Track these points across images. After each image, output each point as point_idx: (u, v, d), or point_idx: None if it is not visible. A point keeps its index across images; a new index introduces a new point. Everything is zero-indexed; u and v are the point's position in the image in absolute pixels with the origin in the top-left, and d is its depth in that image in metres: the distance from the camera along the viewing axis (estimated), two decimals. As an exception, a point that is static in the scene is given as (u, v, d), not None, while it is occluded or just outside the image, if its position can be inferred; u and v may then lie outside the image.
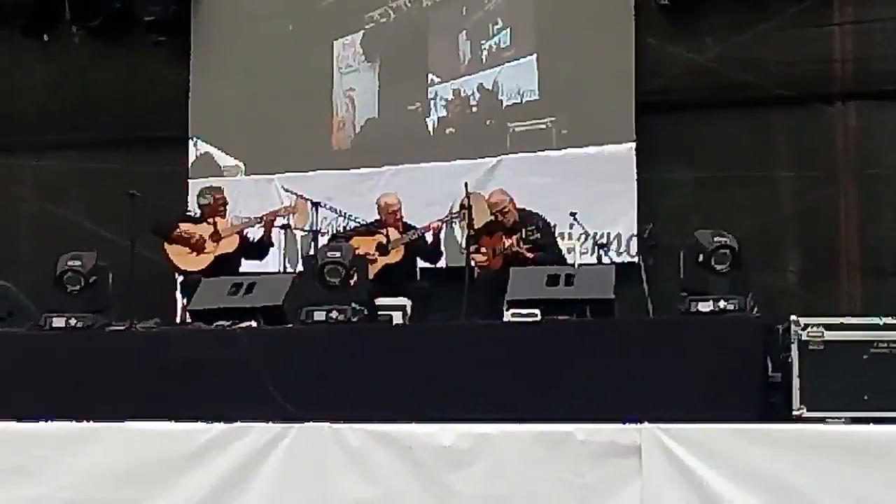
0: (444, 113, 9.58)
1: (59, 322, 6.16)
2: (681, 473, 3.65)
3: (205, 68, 10.05)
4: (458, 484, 3.90)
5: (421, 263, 8.26)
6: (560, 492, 3.78)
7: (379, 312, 6.87)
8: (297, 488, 4.04)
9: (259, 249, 8.24)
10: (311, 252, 7.85)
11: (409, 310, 7.25)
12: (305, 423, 4.18)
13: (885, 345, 5.15)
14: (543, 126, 9.25)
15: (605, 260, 8.24)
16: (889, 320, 5.23)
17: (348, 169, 9.65)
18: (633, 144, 9.00)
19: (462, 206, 7.78)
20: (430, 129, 9.63)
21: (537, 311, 5.82)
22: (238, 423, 4.19)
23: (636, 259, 8.58)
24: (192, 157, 10.05)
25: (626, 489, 3.73)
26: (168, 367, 5.86)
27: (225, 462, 4.11)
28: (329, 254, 6.18)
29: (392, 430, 4.01)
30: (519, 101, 9.36)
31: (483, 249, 7.91)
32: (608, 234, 8.93)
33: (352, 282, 6.11)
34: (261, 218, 8.22)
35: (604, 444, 3.77)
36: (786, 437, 3.59)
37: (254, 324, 6.13)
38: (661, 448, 3.70)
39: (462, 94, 9.54)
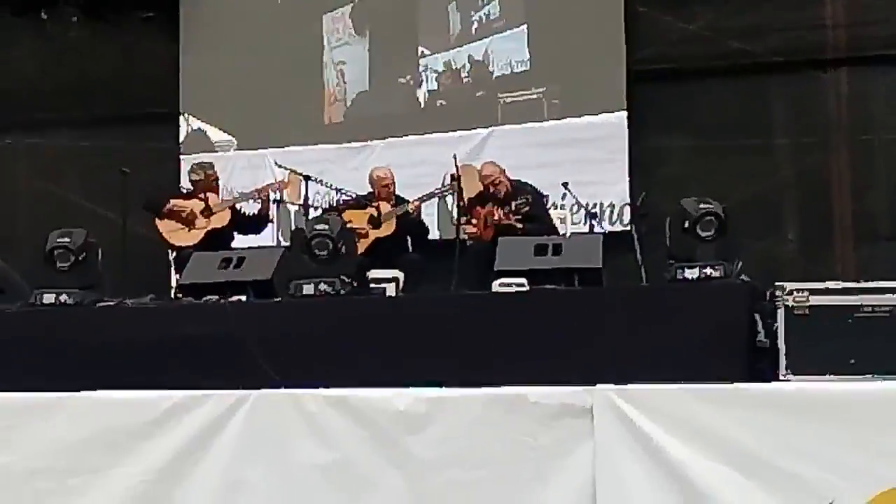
0: (434, 85, 9.57)
1: (49, 298, 6.16)
2: (632, 433, 3.68)
3: (195, 44, 10.04)
4: (414, 447, 3.94)
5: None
6: (514, 453, 3.82)
7: (371, 285, 6.88)
8: (257, 454, 4.08)
9: (256, 224, 8.25)
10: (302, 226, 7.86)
11: (401, 282, 7.27)
12: (263, 390, 4.21)
13: (871, 308, 5.14)
14: (534, 97, 9.24)
15: (598, 229, 8.23)
16: (874, 284, 5.24)
17: (340, 143, 9.66)
18: (625, 113, 8.98)
19: (452, 178, 7.77)
20: (422, 101, 9.63)
21: (524, 281, 5.81)
22: (198, 391, 4.22)
23: (629, 228, 8.57)
24: (183, 134, 10.04)
25: (578, 449, 3.76)
26: (158, 342, 5.85)
27: (185, 429, 4.15)
28: (317, 227, 6.16)
29: (348, 396, 4.05)
30: (509, 71, 9.36)
31: (474, 221, 7.92)
32: (601, 203, 8.95)
33: (341, 254, 6.09)
34: (254, 193, 8.22)
35: (556, 406, 3.80)
36: (736, 396, 3.60)
37: (243, 298, 6.13)
38: (612, 409, 3.73)
39: (453, 66, 9.53)
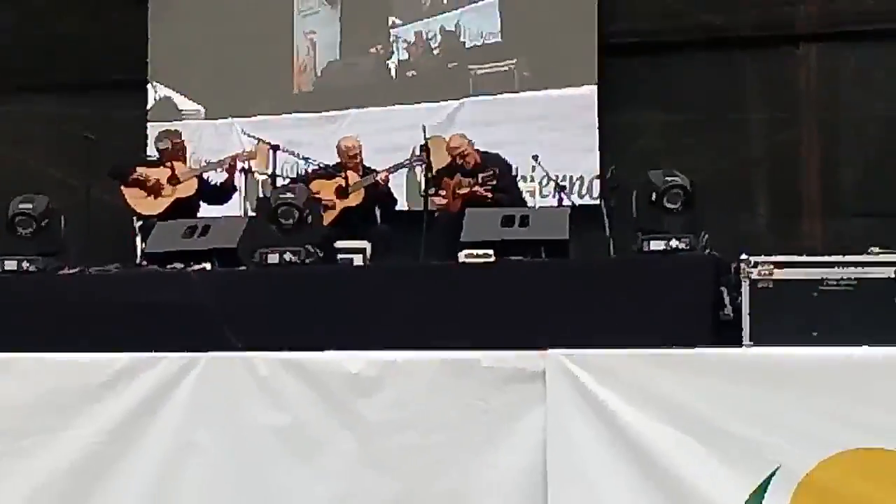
0: (405, 56, 9.50)
1: (10, 265, 6.11)
2: (584, 398, 3.67)
3: (163, 11, 9.92)
4: (365, 410, 3.92)
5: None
6: (466, 416, 3.82)
7: (339, 256, 6.84)
8: (208, 417, 4.04)
9: (221, 194, 8.18)
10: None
11: (368, 253, 7.23)
12: (215, 353, 4.19)
13: (834, 282, 5.19)
14: (506, 69, 9.18)
15: (567, 203, 8.22)
16: (838, 258, 5.26)
17: (310, 112, 9.57)
18: (596, 87, 8.95)
19: (421, 149, 7.73)
20: (392, 72, 9.56)
21: (491, 252, 5.80)
22: (148, 353, 4.19)
23: (599, 202, 8.56)
24: (151, 101, 9.94)
25: (529, 414, 3.75)
26: (120, 309, 5.83)
27: (136, 391, 4.10)
28: (282, 195, 6.14)
29: (300, 358, 4.02)
30: (481, 43, 9.29)
31: (443, 192, 7.88)
32: (571, 176, 8.91)
33: (306, 223, 6.06)
34: (221, 162, 8.15)
35: (508, 370, 3.79)
36: (691, 361, 3.59)
37: (207, 266, 6.09)
38: (564, 373, 3.71)
39: (424, 37, 9.45)
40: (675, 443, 3.57)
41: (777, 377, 3.52)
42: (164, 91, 9.95)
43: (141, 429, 4.16)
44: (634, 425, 3.62)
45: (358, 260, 6.85)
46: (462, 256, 5.90)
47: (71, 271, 6.11)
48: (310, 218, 6.08)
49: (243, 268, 6.14)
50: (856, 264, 5.21)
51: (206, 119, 9.85)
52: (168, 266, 6.16)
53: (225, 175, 8.09)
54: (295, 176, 8.58)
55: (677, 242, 5.58)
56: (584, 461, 3.67)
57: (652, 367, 3.66)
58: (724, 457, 3.56)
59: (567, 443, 3.69)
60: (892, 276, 5.18)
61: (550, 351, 3.80)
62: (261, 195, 8.30)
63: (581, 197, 8.81)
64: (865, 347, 3.58)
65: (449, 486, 3.93)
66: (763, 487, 3.56)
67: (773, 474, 3.54)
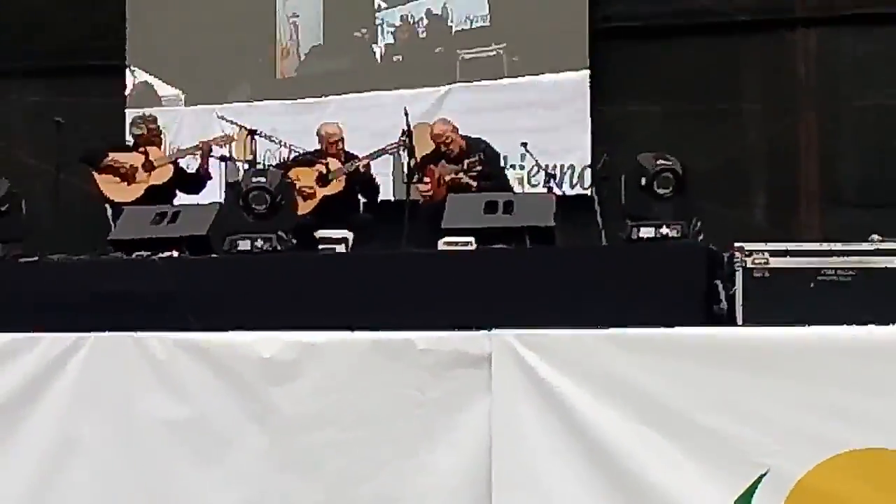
0: (391, 40, 9.25)
1: (-31, 252, 5.84)
2: (535, 385, 3.19)
3: (142, -7, 9.66)
4: (280, 401, 3.42)
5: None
6: (398, 408, 3.30)
7: (320, 245, 6.58)
8: (95, 407, 3.54)
9: (195, 181, 7.90)
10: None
11: (350, 242, 6.97)
12: (104, 333, 3.74)
13: (833, 271, 4.91)
14: (494, 53, 8.95)
15: (557, 192, 7.97)
16: (837, 246, 4.99)
17: (294, 98, 9.33)
18: (587, 72, 8.70)
19: (403, 134, 7.47)
20: (378, 56, 9.30)
21: (471, 240, 5.53)
22: (26, 334, 3.73)
23: (590, 191, 8.34)
24: (129, 87, 9.67)
25: (473, 404, 3.26)
26: (81, 298, 5.54)
27: (11, 378, 3.63)
28: (254, 179, 5.86)
29: (203, 340, 3.59)
30: (468, 27, 9.06)
31: (427, 180, 7.63)
32: (561, 165, 8.68)
33: (279, 209, 5.79)
34: (195, 148, 7.88)
35: (448, 354, 3.32)
36: (658, 342, 3.17)
37: (175, 254, 5.81)
38: (513, 356, 3.25)
39: (410, 21, 9.20)
40: (642, 440, 3.07)
41: (766, 362, 3.02)
42: (142, 76, 9.70)
43: (18, 421, 3.64)
44: (595, 420, 3.12)
45: (340, 250, 6.59)
46: (441, 244, 5.63)
47: (30, 259, 5.81)
48: (283, 203, 5.79)
49: (213, 255, 5.85)
50: (856, 252, 4.94)
51: (186, 105, 9.59)
52: (135, 253, 5.87)
53: (198, 161, 7.81)
54: (276, 163, 8.32)
55: (668, 230, 5.31)
56: (534, 463, 3.17)
57: (614, 349, 3.18)
58: (702, 457, 3.05)
59: (515, 440, 3.18)
60: (894, 265, 4.90)
61: (496, 331, 3.30)
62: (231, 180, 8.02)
63: (572, 187, 8.62)
64: (871, 327, 3.10)
65: (377, 490, 3.46)
66: (749, 494, 3.07)
67: (761, 478, 3.06)
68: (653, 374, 3.10)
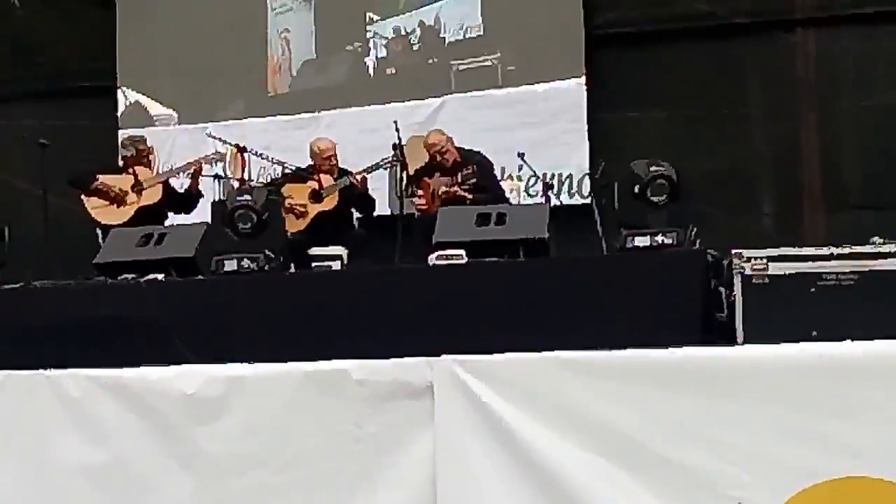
0: (384, 53, 9.12)
1: (-51, 280, 5.72)
2: (481, 415, 2.91)
3: (132, 13, 9.55)
4: (205, 441, 3.18)
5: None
6: (333, 446, 3.05)
7: (314, 263, 6.45)
8: (5, 453, 3.33)
9: (186, 201, 7.76)
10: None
11: (345, 259, 6.84)
12: (16, 371, 3.52)
13: (834, 276, 4.76)
14: (488, 63, 8.81)
15: (555, 202, 7.83)
16: (837, 250, 4.83)
17: (286, 114, 9.21)
18: (583, 80, 8.56)
19: (394, 148, 7.33)
20: (371, 70, 9.17)
21: (462, 253, 5.40)
22: None
23: (589, 200, 8.18)
24: (121, 108, 9.57)
25: (415, 439, 3.00)
26: (66, 325, 5.42)
27: None
28: (239, 198, 5.74)
29: (120, 376, 3.38)
30: (462, 37, 8.91)
31: (421, 193, 7.49)
32: (559, 174, 8.53)
33: (266, 227, 5.67)
34: (185, 166, 7.74)
35: (387, 384, 3.07)
36: (613, 365, 2.93)
37: (160, 276, 5.68)
38: (457, 385, 2.99)
39: (402, 32, 9.08)
40: (594, 471, 2.81)
41: (733, 385, 2.76)
42: (134, 96, 9.59)
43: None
44: (544, 451, 2.87)
45: (335, 267, 6.47)
46: (432, 259, 5.49)
47: (10, 286, 5.69)
48: (269, 221, 5.66)
49: (199, 277, 5.73)
50: (857, 256, 4.78)
51: (179, 124, 9.48)
52: (119, 277, 5.75)
53: (189, 181, 7.68)
54: (268, 181, 8.18)
55: (663, 238, 5.16)
56: (481, 498, 2.93)
57: (566, 374, 2.91)
58: (662, 491, 2.78)
59: (461, 474, 2.94)
60: None
61: (440, 357, 3.05)
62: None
63: (570, 196, 8.44)
64: (847, 343, 2.85)
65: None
66: (721, 531, 2.77)
67: None
68: (607, 400, 2.86)
